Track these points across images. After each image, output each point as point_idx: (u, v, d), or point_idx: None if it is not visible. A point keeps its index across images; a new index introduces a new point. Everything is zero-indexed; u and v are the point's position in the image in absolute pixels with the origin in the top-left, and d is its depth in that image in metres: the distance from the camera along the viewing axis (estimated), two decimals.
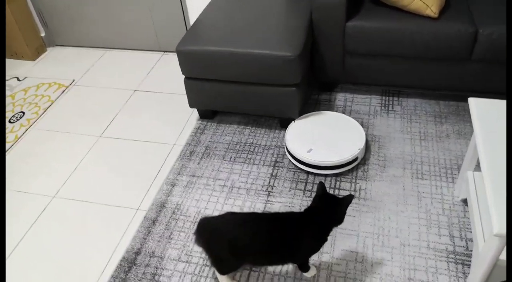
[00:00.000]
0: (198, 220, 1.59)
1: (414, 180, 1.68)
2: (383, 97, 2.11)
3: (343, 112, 2.03)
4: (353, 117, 1.99)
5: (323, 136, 1.78)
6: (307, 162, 1.70)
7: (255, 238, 1.21)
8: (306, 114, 1.91)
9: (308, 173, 1.75)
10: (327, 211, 1.21)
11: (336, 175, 1.73)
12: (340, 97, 2.12)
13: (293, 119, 1.89)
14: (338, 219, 1.23)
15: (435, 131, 1.90)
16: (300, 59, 1.71)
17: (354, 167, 1.75)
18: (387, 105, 2.06)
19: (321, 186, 1.23)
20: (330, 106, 2.07)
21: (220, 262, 1.27)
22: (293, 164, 1.78)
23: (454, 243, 1.45)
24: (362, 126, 1.95)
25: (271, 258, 1.25)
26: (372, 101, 2.08)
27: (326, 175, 1.74)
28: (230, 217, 1.27)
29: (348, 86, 2.19)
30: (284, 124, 1.95)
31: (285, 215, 1.26)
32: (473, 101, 1.35)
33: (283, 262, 1.33)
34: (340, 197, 1.22)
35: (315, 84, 2.22)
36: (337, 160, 1.67)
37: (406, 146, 1.83)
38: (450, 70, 1.88)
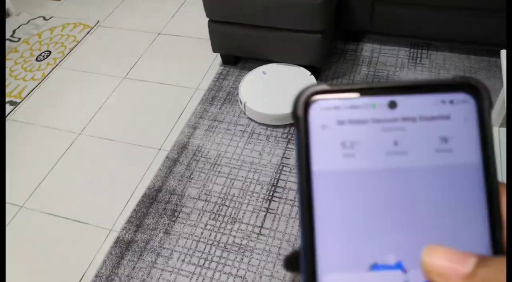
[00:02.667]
0: None
1: None
2: (412, 50, 2.04)
3: (369, 63, 1.98)
4: (379, 69, 1.95)
5: (277, 85, 1.83)
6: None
7: None
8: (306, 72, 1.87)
9: None
10: None
11: None
12: (367, 48, 2.07)
13: (312, 72, 1.86)
14: None
15: None
16: (327, 4, 1.66)
17: None
18: (415, 58, 2.00)
19: None
20: (356, 57, 2.02)
21: None
22: None
23: None
24: (388, 79, 1.91)
25: None
26: (400, 53, 2.03)
27: None
28: None
29: (376, 37, 2.12)
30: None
31: None
32: (505, 54, 1.30)
33: None
34: None
35: (341, 33, 2.16)
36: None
37: None
38: (486, 21, 1.79)
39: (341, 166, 0.25)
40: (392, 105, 0.25)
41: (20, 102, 2.00)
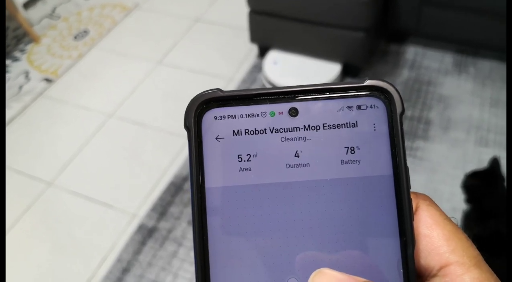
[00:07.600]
0: None
1: (476, 146, 1.59)
2: (457, 56, 1.95)
3: (411, 67, 1.91)
4: (421, 74, 1.87)
5: (302, 64, 1.84)
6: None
7: None
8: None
9: None
10: None
11: None
12: (410, 51, 1.99)
13: (350, 71, 1.80)
14: None
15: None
16: (374, 2, 1.60)
17: (414, 125, 1.67)
18: (460, 65, 1.91)
19: None
20: (398, 58, 1.95)
21: None
22: None
23: None
24: (429, 84, 1.83)
25: None
26: (445, 59, 1.94)
27: None
28: None
29: (420, 39, 2.04)
30: (347, 71, 1.86)
31: None
32: None
33: None
34: None
35: (385, 33, 2.08)
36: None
37: (474, 110, 1.71)
38: None
39: (237, 182, 0.23)
40: (293, 112, 0.23)
41: (56, 80, 2.01)
